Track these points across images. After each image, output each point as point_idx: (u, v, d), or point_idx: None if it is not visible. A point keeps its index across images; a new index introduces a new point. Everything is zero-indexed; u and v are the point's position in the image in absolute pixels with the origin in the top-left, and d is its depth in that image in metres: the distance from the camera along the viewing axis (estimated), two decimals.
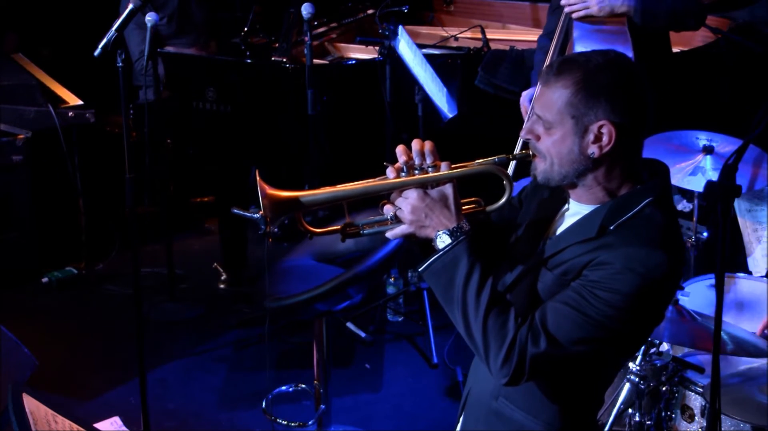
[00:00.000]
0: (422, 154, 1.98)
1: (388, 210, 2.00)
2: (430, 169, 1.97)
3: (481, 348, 1.89)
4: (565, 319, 1.86)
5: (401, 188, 1.97)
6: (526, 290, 2.02)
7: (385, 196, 2.01)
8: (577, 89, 1.90)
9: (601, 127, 1.91)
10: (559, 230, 2.04)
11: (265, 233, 1.92)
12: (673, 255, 1.90)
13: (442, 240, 1.93)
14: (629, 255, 1.86)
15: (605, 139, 1.91)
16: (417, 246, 2.03)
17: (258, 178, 1.94)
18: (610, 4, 3.54)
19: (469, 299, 1.89)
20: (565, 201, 2.06)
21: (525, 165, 2.06)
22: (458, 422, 2.27)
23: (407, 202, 1.95)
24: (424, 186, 1.96)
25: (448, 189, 1.96)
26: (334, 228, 2.04)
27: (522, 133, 2.00)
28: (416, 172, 1.97)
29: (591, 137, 1.92)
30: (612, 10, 3.55)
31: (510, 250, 2.12)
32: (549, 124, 1.95)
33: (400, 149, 1.99)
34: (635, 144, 1.97)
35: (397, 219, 1.98)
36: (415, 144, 1.99)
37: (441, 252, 1.92)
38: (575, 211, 2.02)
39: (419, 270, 1.96)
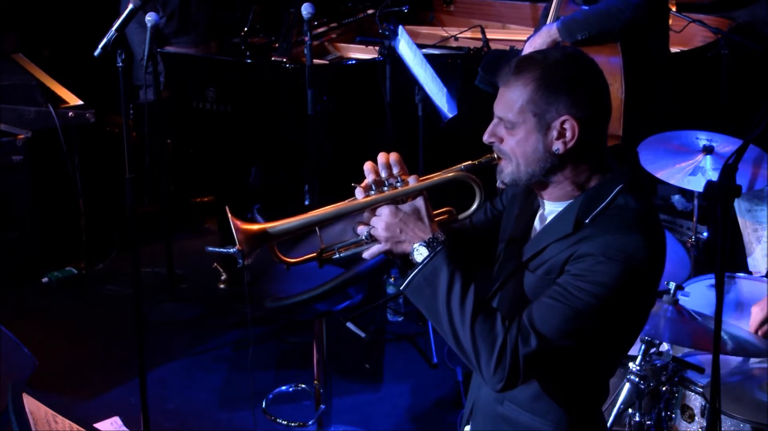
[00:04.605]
0: (388, 167, 1.97)
1: (362, 230, 1.99)
2: (398, 184, 1.97)
3: (472, 356, 1.87)
4: (552, 315, 1.86)
5: (372, 207, 1.97)
6: (511, 295, 2.02)
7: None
8: (537, 86, 1.90)
9: (563, 122, 1.91)
10: (537, 231, 2.04)
11: (244, 267, 1.93)
12: (650, 237, 1.90)
13: (420, 253, 1.93)
14: (607, 244, 1.86)
15: (569, 134, 1.91)
16: (399, 262, 2.02)
17: (228, 213, 1.94)
18: (548, 37, 3.81)
19: (454, 308, 1.87)
20: (539, 202, 2.06)
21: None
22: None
23: (380, 220, 1.95)
24: (395, 202, 1.96)
25: (420, 201, 1.96)
26: (311, 255, 2.04)
27: (485, 137, 1.99)
28: (385, 188, 1.97)
29: (554, 133, 1.92)
30: (552, 42, 3.80)
31: (494, 256, 2.12)
32: (511, 125, 1.94)
33: (367, 166, 1.99)
34: (599, 136, 1.97)
35: (372, 239, 1.98)
36: (380, 157, 1.98)
37: (420, 266, 1.92)
38: (550, 210, 2.02)
39: (401, 289, 1.95)
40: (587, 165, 1.96)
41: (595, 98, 1.93)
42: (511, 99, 1.93)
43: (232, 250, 1.93)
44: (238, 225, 1.94)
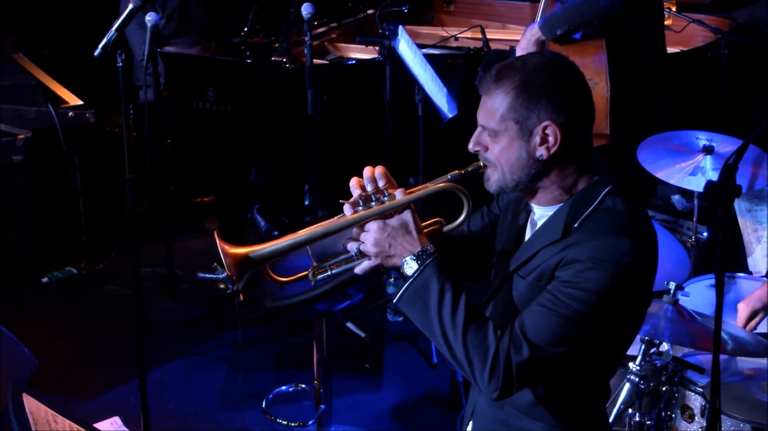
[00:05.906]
0: (374, 181, 1.98)
1: (352, 246, 2.00)
2: (385, 199, 1.98)
3: (466, 367, 1.87)
4: (543, 323, 1.85)
5: (361, 223, 1.98)
6: (504, 302, 2.02)
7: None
8: (517, 93, 1.91)
9: (545, 128, 1.91)
10: (528, 237, 2.04)
11: (234, 292, 1.93)
12: (639, 240, 1.89)
13: (410, 266, 1.93)
14: (596, 249, 1.86)
15: (551, 139, 1.91)
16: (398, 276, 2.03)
17: (217, 237, 1.94)
18: (531, 36, 3.77)
19: (446, 319, 1.88)
20: (530, 208, 2.06)
21: None
22: None
23: (369, 235, 1.96)
24: (383, 216, 1.97)
25: (407, 215, 1.97)
26: (303, 274, 2.05)
27: (470, 146, 2.00)
28: (372, 203, 1.98)
29: (537, 139, 1.92)
30: (536, 41, 3.76)
31: (491, 261, 2.13)
32: (494, 133, 1.95)
33: (353, 182, 2.00)
34: (583, 139, 1.97)
35: (362, 254, 1.99)
36: (366, 172, 1.99)
37: (411, 279, 1.92)
38: (540, 215, 2.03)
39: (394, 302, 1.96)
40: (573, 168, 1.96)
41: (576, 102, 1.93)
42: (493, 107, 1.94)
43: (221, 276, 1.93)
44: (226, 250, 1.95)
